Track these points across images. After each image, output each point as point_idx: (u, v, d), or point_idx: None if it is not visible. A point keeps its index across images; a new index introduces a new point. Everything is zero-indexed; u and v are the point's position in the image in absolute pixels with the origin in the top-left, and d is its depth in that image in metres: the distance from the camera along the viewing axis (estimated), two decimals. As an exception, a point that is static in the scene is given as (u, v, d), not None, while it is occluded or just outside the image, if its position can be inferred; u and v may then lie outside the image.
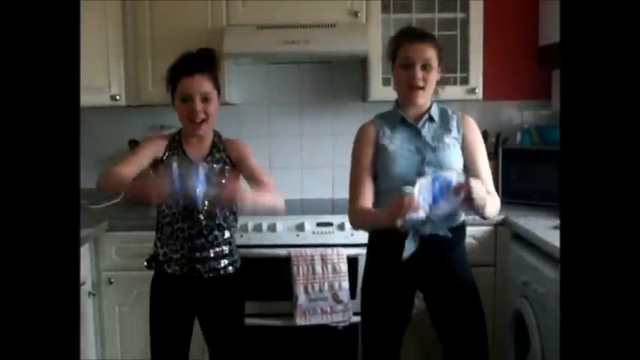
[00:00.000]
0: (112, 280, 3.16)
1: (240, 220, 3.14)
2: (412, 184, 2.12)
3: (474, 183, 2.10)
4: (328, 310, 3.11)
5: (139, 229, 3.10)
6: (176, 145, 2.44)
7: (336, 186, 3.85)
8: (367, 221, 2.38)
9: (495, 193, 2.39)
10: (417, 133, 2.36)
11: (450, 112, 2.43)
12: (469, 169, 2.37)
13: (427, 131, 2.36)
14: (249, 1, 3.37)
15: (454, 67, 3.41)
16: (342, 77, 3.81)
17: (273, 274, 3.11)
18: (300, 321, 3.10)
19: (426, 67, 2.30)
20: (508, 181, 3.54)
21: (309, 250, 3.11)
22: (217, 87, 2.40)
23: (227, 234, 2.46)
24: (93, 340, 3.13)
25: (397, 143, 2.35)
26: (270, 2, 3.36)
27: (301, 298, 3.09)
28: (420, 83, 2.30)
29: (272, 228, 3.16)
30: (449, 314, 2.40)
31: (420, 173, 2.25)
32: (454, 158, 2.33)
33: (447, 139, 2.35)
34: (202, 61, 2.37)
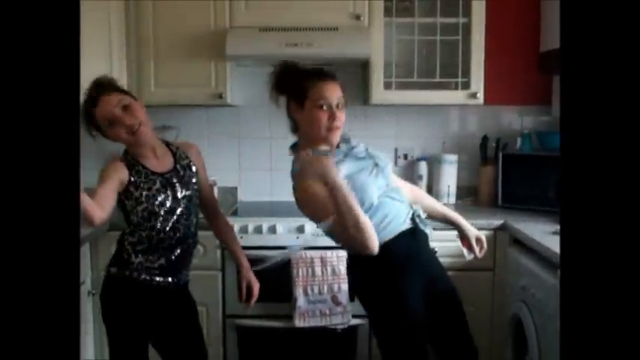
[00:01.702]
0: (112, 280, 3.16)
1: (241, 222, 3.16)
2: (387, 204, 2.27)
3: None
4: (327, 312, 3.12)
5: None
6: (134, 163, 2.34)
7: (336, 189, 3.85)
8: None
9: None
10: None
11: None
12: None
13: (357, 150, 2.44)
14: (253, 3, 3.38)
15: (455, 71, 3.42)
16: (343, 80, 3.74)
17: (272, 276, 3.11)
18: (299, 323, 3.11)
19: (339, 105, 2.30)
20: (508, 186, 3.55)
21: (308, 253, 3.11)
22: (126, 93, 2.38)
23: (196, 243, 2.51)
24: (92, 340, 3.13)
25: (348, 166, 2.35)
26: (273, 5, 3.37)
27: (300, 300, 3.09)
28: (340, 121, 2.30)
29: (272, 230, 3.17)
30: (443, 315, 2.39)
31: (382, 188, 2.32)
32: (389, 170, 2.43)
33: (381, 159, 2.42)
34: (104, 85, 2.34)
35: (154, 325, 2.39)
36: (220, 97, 3.40)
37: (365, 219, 2.11)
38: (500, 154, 3.58)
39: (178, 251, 2.37)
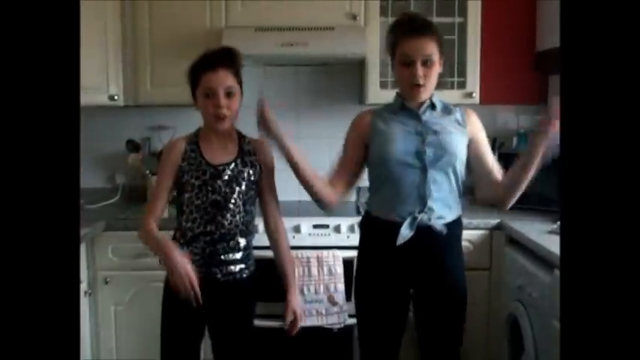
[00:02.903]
0: (108, 279, 3.16)
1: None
2: (412, 165, 2.26)
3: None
4: (323, 312, 3.12)
5: (135, 228, 3.07)
6: (195, 149, 2.36)
7: (332, 188, 3.86)
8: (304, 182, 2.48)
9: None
10: (416, 117, 2.33)
11: (451, 105, 2.41)
12: (475, 161, 2.41)
13: (428, 116, 2.34)
14: (248, 3, 3.38)
15: (451, 71, 3.42)
16: (339, 80, 3.82)
17: (269, 276, 3.11)
18: (295, 322, 3.11)
19: (426, 62, 2.25)
20: (504, 185, 3.54)
21: (305, 252, 3.11)
22: (240, 84, 2.35)
23: (246, 240, 2.44)
24: (88, 340, 3.12)
25: (395, 126, 2.33)
26: (269, 4, 3.36)
27: (297, 299, 3.09)
28: (422, 81, 2.25)
29: (268, 229, 3.17)
30: (430, 316, 2.42)
31: (420, 154, 2.27)
32: (457, 143, 2.32)
33: (450, 126, 2.33)
34: (225, 58, 2.32)
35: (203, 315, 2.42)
36: (216, 96, 3.39)
37: (315, 187, 2.43)
38: (497, 153, 3.58)
39: (221, 246, 2.37)
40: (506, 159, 3.53)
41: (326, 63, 3.76)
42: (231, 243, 2.37)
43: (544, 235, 2.79)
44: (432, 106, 2.34)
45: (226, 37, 3.28)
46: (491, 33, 3.60)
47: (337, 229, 3.16)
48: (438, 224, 2.29)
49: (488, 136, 3.65)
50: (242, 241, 2.41)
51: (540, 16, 3.63)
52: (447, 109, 2.38)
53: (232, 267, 2.40)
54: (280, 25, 3.33)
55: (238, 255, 2.40)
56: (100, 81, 3.37)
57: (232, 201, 2.34)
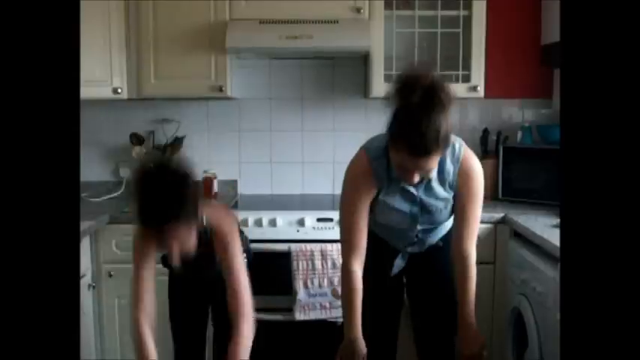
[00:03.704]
0: (112, 272, 3.16)
1: (241, 215, 3.16)
2: (400, 231, 2.29)
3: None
4: (327, 305, 3.12)
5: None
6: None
7: (336, 182, 3.85)
8: (343, 304, 2.31)
9: (473, 254, 2.29)
10: (413, 199, 2.22)
11: (450, 160, 2.17)
12: (455, 219, 2.29)
13: (423, 193, 2.21)
14: (252, -4, 3.38)
15: (456, 64, 3.41)
16: (344, 73, 3.81)
17: (273, 269, 3.12)
18: (299, 316, 3.11)
19: (425, 171, 2.07)
20: (508, 179, 3.54)
21: (309, 246, 3.11)
22: (194, 213, 2.05)
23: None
24: (92, 333, 3.13)
25: (391, 199, 2.23)
26: (273, -3, 3.36)
27: (301, 293, 3.10)
28: (416, 181, 2.10)
29: (272, 223, 3.17)
30: (423, 305, 2.48)
31: (412, 229, 2.30)
32: (447, 216, 2.30)
33: (442, 202, 2.23)
34: (167, 208, 1.95)
35: None
36: (220, 89, 3.40)
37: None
38: (501, 147, 3.57)
39: None
40: (511, 153, 3.54)
41: (330, 56, 3.75)
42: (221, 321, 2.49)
43: (548, 229, 2.77)
44: (429, 179, 2.20)
45: (230, 30, 3.28)
46: (496, 26, 3.58)
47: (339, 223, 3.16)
48: (430, 245, 2.40)
49: (493, 130, 3.67)
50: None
51: (545, 9, 3.61)
52: (444, 174, 2.19)
53: None
54: (284, 18, 3.32)
55: None
56: (103, 74, 3.37)
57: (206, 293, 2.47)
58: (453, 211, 2.28)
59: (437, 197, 2.22)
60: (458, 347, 2.33)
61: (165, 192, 1.93)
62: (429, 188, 2.21)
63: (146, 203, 1.95)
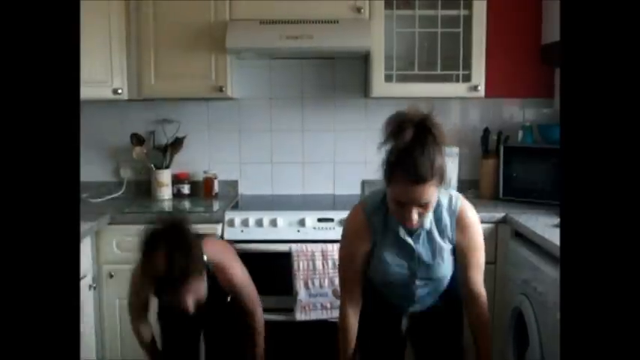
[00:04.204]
0: (113, 273, 3.16)
1: (241, 216, 3.16)
2: (399, 287, 2.25)
3: None
4: (328, 305, 3.12)
5: (139, 222, 3.09)
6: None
7: (337, 182, 3.86)
8: (339, 343, 2.39)
9: (483, 293, 2.27)
10: (411, 252, 2.19)
11: (446, 211, 2.18)
12: (459, 267, 2.26)
13: (421, 246, 2.19)
14: (253, -4, 3.38)
15: (456, 64, 3.41)
16: (344, 73, 3.80)
17: (273, 269, 3.11)
18: (300, 316, 3.11)
19: (423, 204, 2.03)
20: (509, 179, 3.54)
21: (309, 246, 3.11)
22: (200, 266, 2.20)
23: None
24: (93, 333, 3.13)
25: (389, 253, 2.21)
26: (273, -3, 3.36)
27: (301, 293, 3.09)
28: (416, 224, 2.07)
29: (273, 223, 3.17)
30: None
31: (410, 284, 2.25)
32: (446, 270, 2.25)
33: (441, 252, 2.20)
34: (177, 260, 2.07)
35: None
36: (221, 89, 3.39)
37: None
38: (502, 147, 3.57)
39: None
40: (511, 152, 3.54)
41: (330, 56, 3.75)
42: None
43: (549, 228, 2.77)
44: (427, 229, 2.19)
45: (230, 30, 3.27)
46: (496, 26, 3.58)
47: (342, 222, 3.15)
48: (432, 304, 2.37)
49: (493, 129, 3.67)
50: None
51: (546, 8, 3.61)
52: (441, 225, 2.19)
53: None
54: (285, 18, 3.32)
55: None
56: (104, 75, 3.37)
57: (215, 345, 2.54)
58: (454, 265, 2.27)
59: (434, 248, 2.19)
60: None
61: (176, 255, 2.06)
62: (426, 239, 2.19)
63: (160, 266, 2.06)
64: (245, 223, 3.14)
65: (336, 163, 3.82)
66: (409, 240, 2.18)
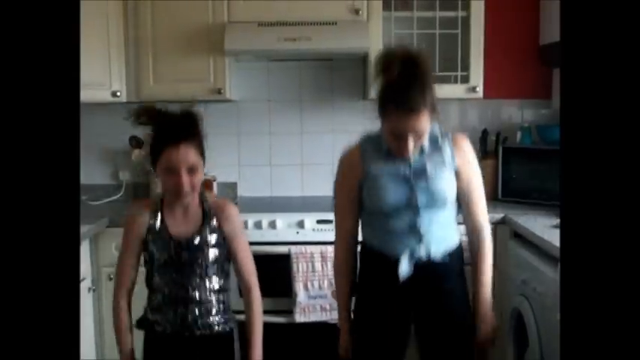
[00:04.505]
0: (112, 276, 3.14)
1: (241, 218, 3.16)
2: (405, 210, 2.18)
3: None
4: (327, 307, 3.12)
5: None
6: (159, 221, 2.28)
7: (336, 183, 3.86)
8: (336, 285, 2.42)
9: (487, 227, 2.32)
10: (404, 163, 2.19)
11: (440, 136, 2.23)
12: (460, 199, 2.27)
13: (417, 161, 2.19)
14: (251, -2, 3.38)
15: (455, 65, 3.41)
16: (342, 75, 3.81)
17: (273, 271, 3.11)
18: (299, 318, 3.11)
19: (416, 133, 2.08)
20: (508, 179, 3.54)
21: (309, 248, 3.11)
22: (203, 155, 2.26)
23: (220, 302, 2.33)
24: (92, 336, 3.13)
25: (384, 175, 2.20)
26: (272, -1, 3.36)
27: (301, 295, 3.09)
28: (412, 152, 2.12)
29: (272, 225, 3.17)
30: (434, 349, 2.35)
31: (412, 200, 2.18)
32: (447, 187, 2.21)
33: (439, 168, 2.21)
34: (186, 129, 2.20)
35: None
36: (219, 92, 3.40)
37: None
38: (501, 148, 3.58)
39: (186, 311, 2.28)
40: (510, 153, 3.54)
41: (329, 58, 3.75)
42: (204, 307, 2.28)
43: (548, 229, 2.78)
44: (421, 149, 2.20)
45: (229, 32, 3.28)
46: (494, 27, 3.59)
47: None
48: (437, 256, 2.24)
49: (492, 130, 3.67)
50: (215, 305, 2.30)
51: (544, 8, 3.62)
52: (436, 146, 2.22)
53: (207, 321, 2.30)
54: (283, 20, 3.32)
55: (215, 318, 2.31)
56: (102, 77, 3.38)
57: (199, 269, 2.26)
58: (458, 199, 2.26)
59: (431, 168, 2.19)
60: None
61: (185, 121, 2.22)
62: (422, 160, 2.20)
63: (169, 124, 2.20)
64: (244, 225, 3.14)
65: (334, 164, 3.79)
66: (406, 161, 2.19)
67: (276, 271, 3.10)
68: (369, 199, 2.24)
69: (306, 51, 3.36)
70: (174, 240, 2.24)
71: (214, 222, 2.29)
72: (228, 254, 2.33)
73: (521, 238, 2.96)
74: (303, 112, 3.85)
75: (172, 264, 2.25)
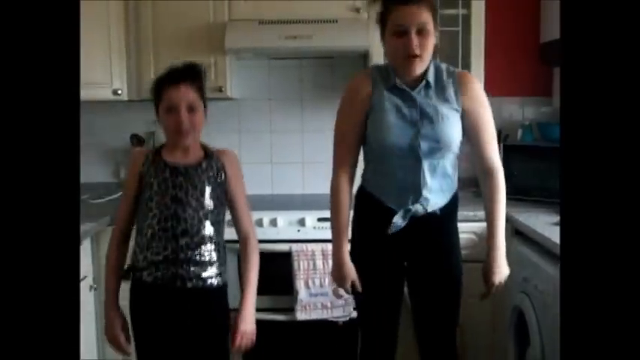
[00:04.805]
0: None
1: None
2: (406, 156, 2.16)
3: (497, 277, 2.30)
4: (329, 305, 3.12)
5: (140, 223, 3.10)
6: (156, 155, 2.30)
7: (337, 181, 3.86)
8: (332, 216, 2.33)
9: (500, 167, 2.34)
10: (411, 99, 2.19)
11: (445, 73, 2.23)
12: (470, 140, 2.28)
13: (423, 100, 2.19)
14: (251, -4, 3.38)
15: (455, 63, 3.41)
16: (343, 73, 3.80)
17: (274, 269, 3.11)
18: (300, 316, 3.11)
19: (421, 31, 2.09)
20: (509, 177, 3.48)
21: (310, 246, 3.11)
22: (204, 99, 2.29)
23: (213, 240, 2.27)
24: (94, 334, 3.13)
25: (390, 110, 2.19)
26: (272, -3, 3.36)
27: (302, 293, 3.10)
28: (417, 51, 2.10)
29: (273, 223, 3.17)
30: (424, 294, 2.37)
31: (414, 146, 2.18)
32: (452, 131, 2.20)
33: (445, 110, 2.19)
34: (188, 73, 2.26)
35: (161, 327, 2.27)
36: (220, 90, 3.40)
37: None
38: (502, 146, 3.57)
39: (184, 241, 2.21)
40: (511, 151, 3.54)
41: (330, 56, 3.75)
42: (196, 239, 2.21)
43: (550, 227, 2.77)
44: (427, 84, 2.21)
45: (229, 30, 3.28)
46: (495, 25, 3.59)
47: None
48: (432, 210, 2.24)
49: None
50: (208, 239, 2.25)
51: (544, 6, 3.61)
52: (442, 83, 2.22)
53: (199, 269, 2.23)
54: (283, 18, 3.32)
55: (206, 255, 2.24)
56: (103, 76, 3.38)
57: (194, 196, 2.23)
58: (468, 139, 2.28)
59: (436, 105, 2.19)
60: (483, 273, 2.33)
61: (188, 67, 2.27)
62: (427, 95, 2.20)
63: (172, 69, 2.26)
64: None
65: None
66: (409, 90, 2.19)
67: (277, 269, 3.10)
68: (374, 134, 2.23)
69: (307, 49, 3.36)
70: (169, 166, 2.26)
71: (215, 163, 2.32)
72: (225, 199, 2.33)
73: (523, 235, 2.96)
74: (304, 110, 3.85)
75: (167, 189, 2.22)
